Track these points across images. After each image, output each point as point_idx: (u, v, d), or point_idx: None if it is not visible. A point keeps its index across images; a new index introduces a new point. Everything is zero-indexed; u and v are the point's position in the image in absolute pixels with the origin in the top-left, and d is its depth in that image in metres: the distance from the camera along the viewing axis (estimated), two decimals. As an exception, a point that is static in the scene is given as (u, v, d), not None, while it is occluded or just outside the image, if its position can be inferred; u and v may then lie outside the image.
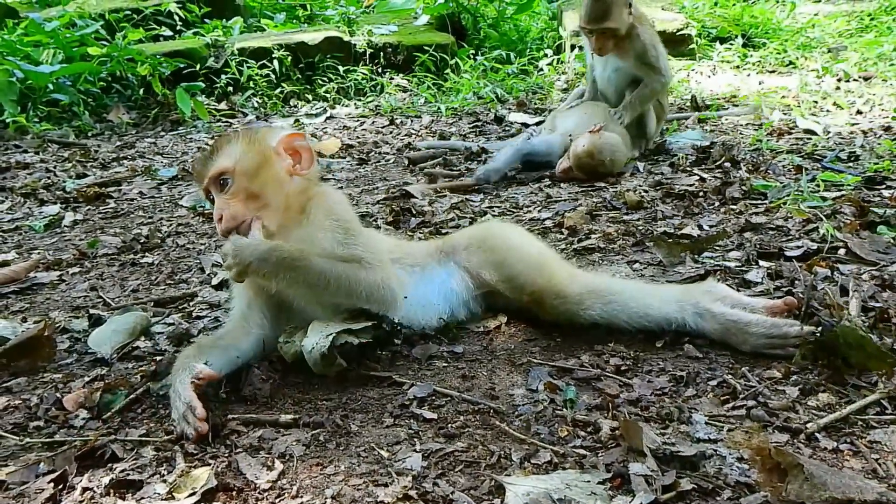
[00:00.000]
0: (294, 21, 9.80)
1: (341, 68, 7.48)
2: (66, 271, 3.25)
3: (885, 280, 2.36)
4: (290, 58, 7.42)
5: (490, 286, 2.31)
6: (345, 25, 8.07)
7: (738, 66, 7.00)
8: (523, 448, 1.66)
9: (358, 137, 5.78)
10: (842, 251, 2.66)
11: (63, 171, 5.17)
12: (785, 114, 5.27)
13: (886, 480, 1.47)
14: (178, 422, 1.80)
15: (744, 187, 3.59)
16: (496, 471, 1.59)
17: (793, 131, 4.80)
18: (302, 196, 2.20)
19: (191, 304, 2.78)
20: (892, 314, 2.08)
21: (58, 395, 2.06)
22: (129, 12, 8.33)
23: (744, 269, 2.61)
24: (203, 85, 7.13)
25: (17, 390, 2.15)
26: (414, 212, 3.67)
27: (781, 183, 3.62)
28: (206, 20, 8.50)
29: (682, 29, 7.26)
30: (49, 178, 5.00)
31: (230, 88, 7.32)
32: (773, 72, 6.83)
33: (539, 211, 3.64)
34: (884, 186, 3.48)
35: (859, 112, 5.25)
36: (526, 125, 5.59)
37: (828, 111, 5.36)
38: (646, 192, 3.75)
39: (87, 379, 2.17)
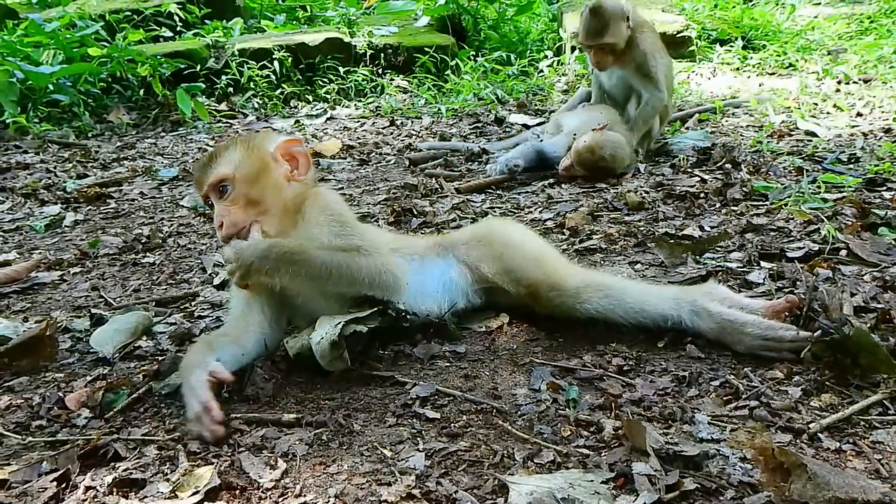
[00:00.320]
0: (294, 22, 9.81)
1: (342, 69, 7.48)
2: (67, 271, 3.25)
3: (887, 281, 2.36)
4: (290, 59, 7.41)
5: (488, 280, 2.32)
6: (345, 26, 8.06)
7: (738, 68, 7.00)
8: (526, 448, 1.66)
9: (358, 138, 5.78)
10: (843, 252, 2.67)
11: (63, 172, 5.17)
12: (787, 116, 5.27)
13: (889, 481, 1.47)
14: (192, 421, 1.80)
15: (745, 189, 3.59)
16: (499, 470, 1.59)
17: (793, 133, 4.81)
18: (299, 199, 2.24)
19: (192, 303, 2.79)
20: (893, 315, 2.08)
21: (60, 394, 2.06)
22: (129, 13, 8.33)
23: (745, 269, 2.61)
24: (203, 86, 7.12)
25: (20, 389, 2.15)
26: (415, 212, 3.67)
27: (782, 184, 3.62)
28: (207, 21, 8.50)
29: (682, 31, 7.25)
30: (49, 178, 5.00)
31: (230, 89, 7.31)
32: (773, 74, 6.84)
33: (540, 212, 3.64)
34: (884, 188, 3.48)
35: (859, 114, 5.24)
36: (526, 126, 5.57)
37: (828, 113, 5.35)
38: (647, 193, 3.75)
39: (89, 378, 2.17)
